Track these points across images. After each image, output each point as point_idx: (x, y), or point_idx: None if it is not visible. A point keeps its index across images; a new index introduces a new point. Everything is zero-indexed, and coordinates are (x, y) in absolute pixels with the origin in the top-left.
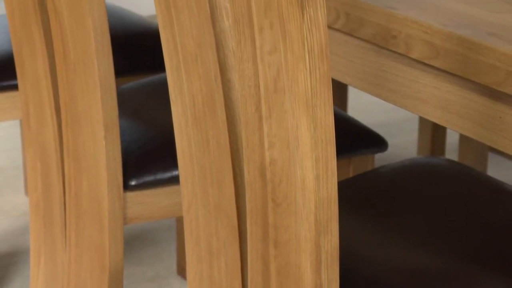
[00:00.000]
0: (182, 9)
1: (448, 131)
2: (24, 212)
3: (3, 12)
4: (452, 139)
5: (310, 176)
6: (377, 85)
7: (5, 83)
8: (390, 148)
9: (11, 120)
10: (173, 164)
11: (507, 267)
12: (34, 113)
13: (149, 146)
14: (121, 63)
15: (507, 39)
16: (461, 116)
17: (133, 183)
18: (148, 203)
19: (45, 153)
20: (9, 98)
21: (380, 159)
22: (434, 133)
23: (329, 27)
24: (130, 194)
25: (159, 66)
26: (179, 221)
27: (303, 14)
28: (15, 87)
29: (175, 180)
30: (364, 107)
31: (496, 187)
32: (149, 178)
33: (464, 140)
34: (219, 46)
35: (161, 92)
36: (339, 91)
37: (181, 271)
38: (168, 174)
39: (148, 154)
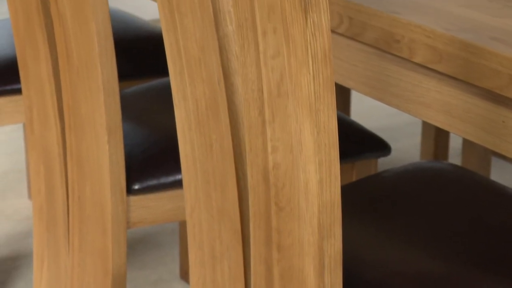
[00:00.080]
0: (185, 13)
1: (451, 136)
2: (26, 216)
3: (7, 16)
4: (455, 143)
5: (314, 180)
6: (380, 89)
7: (8, 87)
8: (393, 152)
9: (14, 124)
10: (176, 168)
11: (510, 271)
12: (38, 116)
13: (152, 150)
14: (124, 67)
15: (510, 44)
16: (464, 121)
17: (136, 187)
18: (151, 207)
19: (49, 157)
20: (12, 102)
21: (383, 163)
22: (437, 138)
23: (332, 31)
24: (133, 198)
25: (162, 70)
26: (182, 225)
27: (306, 19)
28: (18, 91)
29: (178, 184)
30: (367, 111)
31: (499, 191)
32: (152, 182)
33: (467, 144)
34: (222, 50)
35: (164, 96)
36: (342, 95)
37: (184, 275)
38: (171, 178)
39: (151, 158)
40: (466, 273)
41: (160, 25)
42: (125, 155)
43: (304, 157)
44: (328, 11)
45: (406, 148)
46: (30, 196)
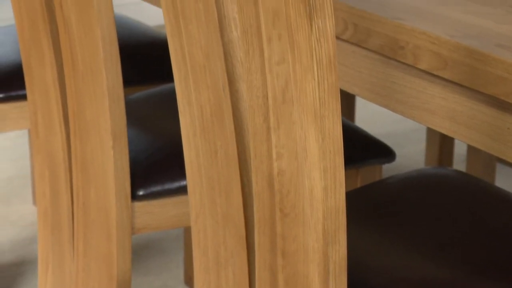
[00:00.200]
0: (190, 19)
1: (456, 142)
2: (31, 221)
3: (12, 22)
4: (460, 149)
5: (318, 187)
6: (385, 95)
7: (13, 93)
8: (397, 159)
9: (19, 130)
10: (181, 174)
11: None
12: (43, 122)
13: (157, 156)
14: (128, 73)
15: None
16: (469, 127)
17: (141, 193)
18: (156, 213)
19: (53, 162)
20: (17, 108)
21: (388, 169)
22: (442, 144)
23: (337, 37)
24: (138, 204)
25: (167, 76)
26: (187, 231)
27: (311, 25)
28: (22, 97)
29: (183, 190)
30: (371, 118)
31: (504, 198)
32: (156, 188)
33: (472, 150)
34: (227, 57)
35: (169, 102)
36: (347, 102)
37: (189, 281)
38: (176, 184)
39: (156, 164)
40: (471, 280)
41: (165, 31)
42: (129, 161)
43: (309, 164)
44: (333, 17)
45: (410, 155)
46: (34, 202)
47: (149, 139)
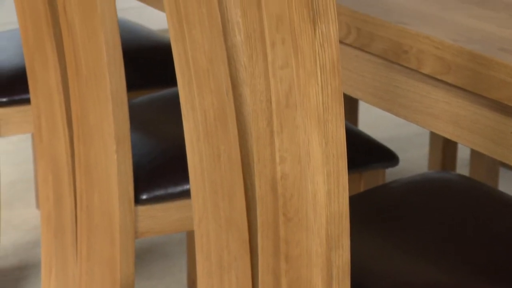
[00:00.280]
0: (194, 23)
1: (459, 146)
2: (34, 225)
3: (16, 26)
4: (463, 154)
5: (322, 191)
6: (388, 100)
7: (16, 97)
8: (401, 163)
9: (22, 134)
10: (184, 178)
11: None
12: (46, 126)
13: (160, 160)
14: (132, 77)
15: None
16: (472, 131)
17: (144, 197)
18: (159, 217)
19: (57, 166)
20: (20, 112)
21: (391, 173)
22: (445, 148)
23: (340, 42)
24: (141, 208)
25: (170, 80)
26: (190, 234)
27: (315, 30)
28: (26, 101)
29: (186, 194)
30: (375, 122)
31: (507, 202)
32: (160, 192)
33: (475, 155)
34: (231, 61)
35: (172, 106)
36: (350, 106)
37: (192, 285)
38: (179, 188)
39: (159, 168)
40: (474, 284)
41: (168, 35)
42: (133, 165)
43: (312, 168)
44: (337, 22)
45: (414, 159)
46: (38, 206)
47: (152, 143)
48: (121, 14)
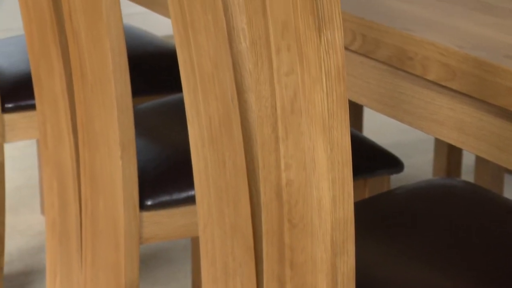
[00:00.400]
0: (199, 30)
1: (464, 152)
2: (39, 231)
3: (22, 32)
4: (468, 160)
5: (327, 197)
6: (393, 106)
7: (22, 103)
8: (405, 169)
9: (28, 139)
10: (189, 184)
11: None
12: (51, 132)
13: (165, 166)
14: (137, 83)
15: None
16: (477, 138)
17: (149, 203)
18: (164, 223)
19: (62, 172)
20: (26, 118)
21: (396, 179)
22: (450, 154)
23: (345, 48)
24: (146, 214)
25: (175, 86)
26: (195, 240)
27: (320, 36)
28: (31, 107)
29: (191, 200)
30: (379, 128)
31: None
32: (165, 198)
33: (480, 161)
34: (236, 67)
35: (177, 112)
36: (355, 112)
37: None
38: (184, 194)
39: (164, 174)
40: None
41: (173, 41)
42: (138, 171)
43: (317, 175)
44: (342, 28)
45: (418, 165)
46: (43, 211)
47: (157, 149)
48: (126, 20)
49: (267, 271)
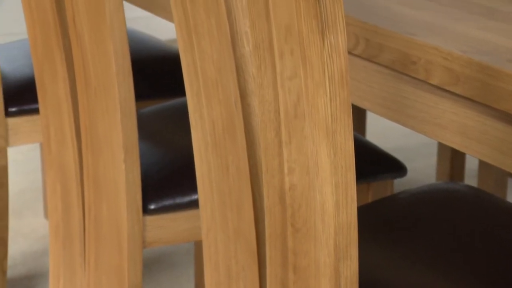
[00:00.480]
0: (202, 34)
1: (467, 156)
2: (43, 235)
3: (25, 36)
4: (471, 164)
5: (330, 202)
6: (396, 110)
7: (25, 107)
8: (409, 173)
9: (32, 143)
10: (192, 188)
11: None
12: (55, 136)
13: (168, 170)
14: (140, 87)
15: None
16: (481, 142)
17: (152, 207)
18: (167, 227)
19: (65, 176)
20: (29, 122)
21: (399, 184)
22: (453, 159)
23: (349, 52)
24: (149, 218)
25: (178, 90)
26: (198, 245)
27: (323, 40)
28: (35, 111)
29: (194, 204)
30: (382, 132)
31: None
32: (168, 202)
33: (483, 165)
34: (239, 71)
35: (180, 116)
36: (358, 116)
37: None
38: (187, 198)
39: (167, 178)
40: None
41: (176, 45)
42: (141, 174)
43: (321, 179)
44: (345, 32)
45: (422, 169)
46: (46, 215)
47: (160, 153)
48: (129, 24)
49: (270, 275)
